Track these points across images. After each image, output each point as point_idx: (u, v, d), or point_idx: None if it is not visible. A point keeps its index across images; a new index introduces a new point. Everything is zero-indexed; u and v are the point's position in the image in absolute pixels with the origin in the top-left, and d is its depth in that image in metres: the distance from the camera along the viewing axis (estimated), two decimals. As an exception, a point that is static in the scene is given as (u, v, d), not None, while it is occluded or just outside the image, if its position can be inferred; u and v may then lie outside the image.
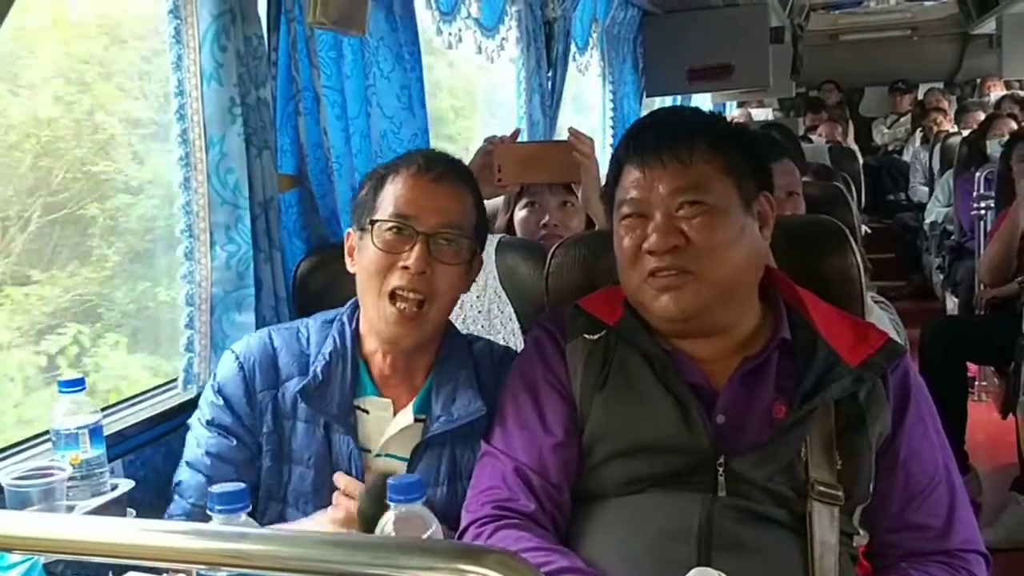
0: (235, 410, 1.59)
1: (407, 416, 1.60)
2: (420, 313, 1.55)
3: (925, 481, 1.44)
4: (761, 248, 1.48)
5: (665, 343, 1.47)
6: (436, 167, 1.60)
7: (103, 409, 1.64)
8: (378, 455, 1.60)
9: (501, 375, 1.62)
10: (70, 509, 1.39)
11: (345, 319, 1.65)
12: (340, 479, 1.54)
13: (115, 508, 1.45)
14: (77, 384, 1.46)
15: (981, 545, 1.46)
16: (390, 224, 1.56)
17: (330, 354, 1.60)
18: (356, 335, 1.63)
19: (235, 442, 1.59)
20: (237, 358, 1.62)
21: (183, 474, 1.59)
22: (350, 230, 1.66)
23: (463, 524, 1.44)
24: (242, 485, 1.07)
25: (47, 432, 1.51)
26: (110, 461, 1.52)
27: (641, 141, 1.46)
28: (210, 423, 1.60)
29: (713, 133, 1.46)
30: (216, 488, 1.04)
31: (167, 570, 1.19)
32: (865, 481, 1.41)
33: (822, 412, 1.40)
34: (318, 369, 1.59)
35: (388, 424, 1.60)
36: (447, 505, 1.53)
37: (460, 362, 1.64)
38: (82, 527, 0.92)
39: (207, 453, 1.58)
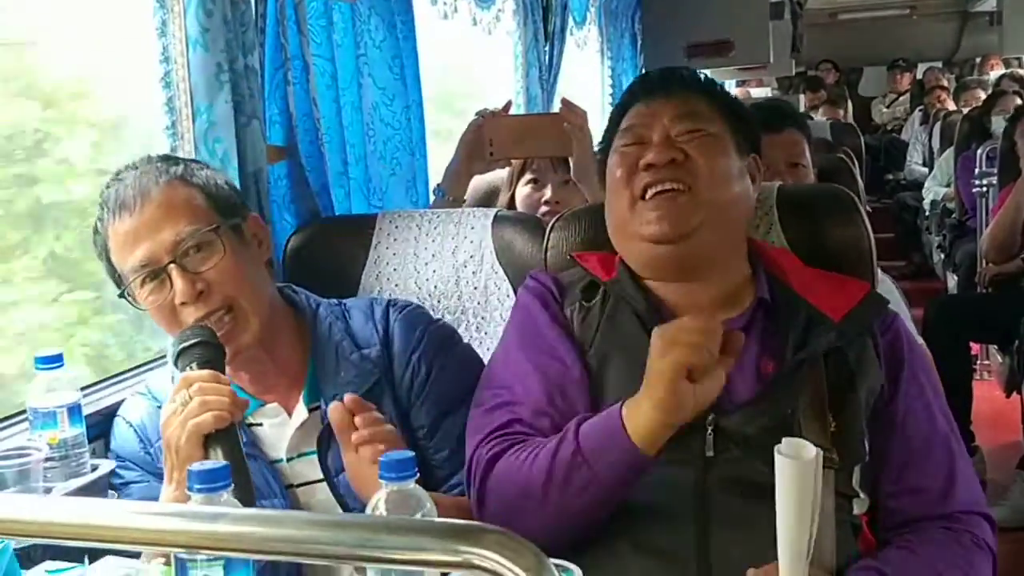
0: (140, 465, 1.54)
1: (301, 412, 1.53)
2: (234, 319, 1.46)
3: (921, 441, 1.41)
4: (751, 197, 1.51)
5: (654, 300, 1.46)
6: (127, 198, 1.45)
7: (84, 387, 1.58)
8: (290, 459, 1.53)
9: (389, 327, 1.57)
10: (47, 491, 1.34)
11: None
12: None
13: (94, 490, 1.40)
14: (55, 360, 1.40)
15: (983, 506, 1.43)
16: (138, 280, 1.44)
17: None
18: None
19: (149, 484, 1.52)
20: (126, 420, 1.57)
21: None
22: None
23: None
24: (223, 462, 1.01)
25: (24, 411, 1.45)
26: (91, 441, 1.47)
27: (647, 81, 1.55)
28: (123, 485, 1.53)
29: (711, 88, 1.53)
30: (196, 466, 0.99)
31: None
32: (859, 440, 1.38)
33: (812, 371, 1.37)
34: None
35: (288, 427, 1.53)
36: None
37: (333, 336, 1.57)
38: (52, 509, 0.87)
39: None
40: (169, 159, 1.55)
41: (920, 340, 2.27)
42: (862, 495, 1.42)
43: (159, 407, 1.52)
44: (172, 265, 1.43)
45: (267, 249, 1.60)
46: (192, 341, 1.39)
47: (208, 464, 0.98)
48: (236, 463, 1.28)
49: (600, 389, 1.42)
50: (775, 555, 1.28)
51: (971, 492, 1.42)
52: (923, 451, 1.41)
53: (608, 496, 1.31)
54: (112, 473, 1.51)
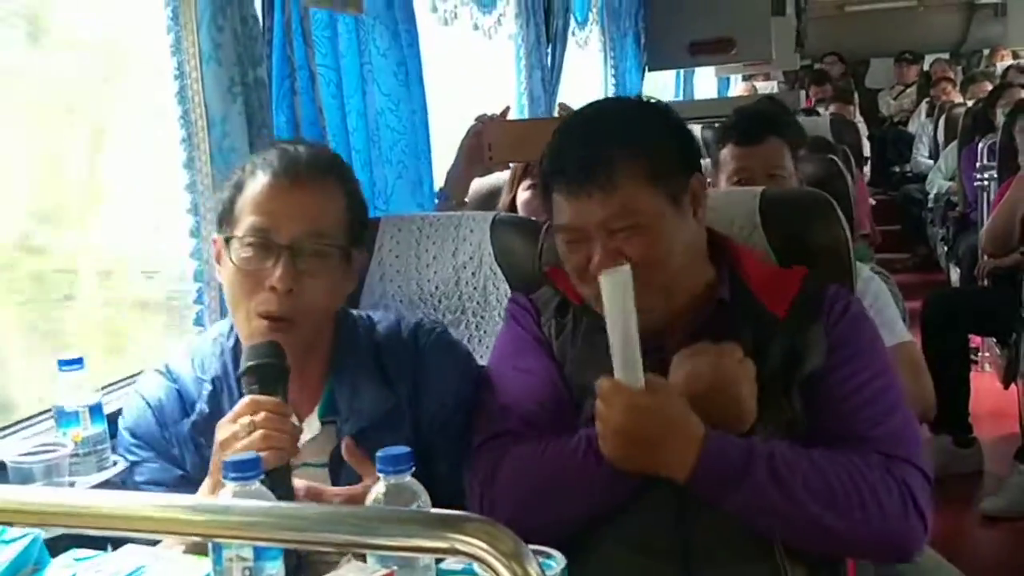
0: (153, 446, 1.52)
1: (313, 424, 1.51)
2: (292, 326, 1.44)
3: (858, 399, 1.43)
4: (696, 234, 1.50)
5: None
6: (294, 168, 1.46)
7: (104, 386, 1.66)
8: (295, 468, 1.45)
9: (421, 355, 1.56)
10: (72, 486, 1.42)
11: (223, 337, 1.56)
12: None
13: (116, 484, 1.48)
14: (76, 363, 1.49)
15: (909, 456, 1.41)
16: (248, 240, 1.44)
17: (213, 380, 1.52)
18: (237, 351, 1.52)
19: (160, 464, 1.51)
20: (143, 398, 1.54)
21: None
22: (216, 235, 1.52)
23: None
24: (255, 454, 1.08)
25: (50, 410, 1.53)
26: (112, 438, 1.54)
27: (561, 166, 1.46)
28: (134, 464, 1.51)
29: (633, 137, 1.45)
30: (231, 457, 1.07)
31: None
32: (802, 416, 1.43)
33: (763, 368, 1.41)
34: (203, 401, 1.50)
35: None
36: None
37: (358, 353, 1.55)
38: (79, 499, 0.95)
39: (139, 485, 1.50)
40: (341, 162, 1.57)
41: (907, 337, 2.32)
42: None
43: (178, 390, 1.53)
44: (286, 251, 1.42)
45: (355, 284, 1.60)
46: (263, 361, 1.37)
47: (241, 455, 1.06)
48: (284, 498, 1.28)
49: (582, 413, 1.47)
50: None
51: (898, 440, 1.42)
52: (859, 406, 1.43)
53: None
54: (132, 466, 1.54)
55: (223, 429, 1.35)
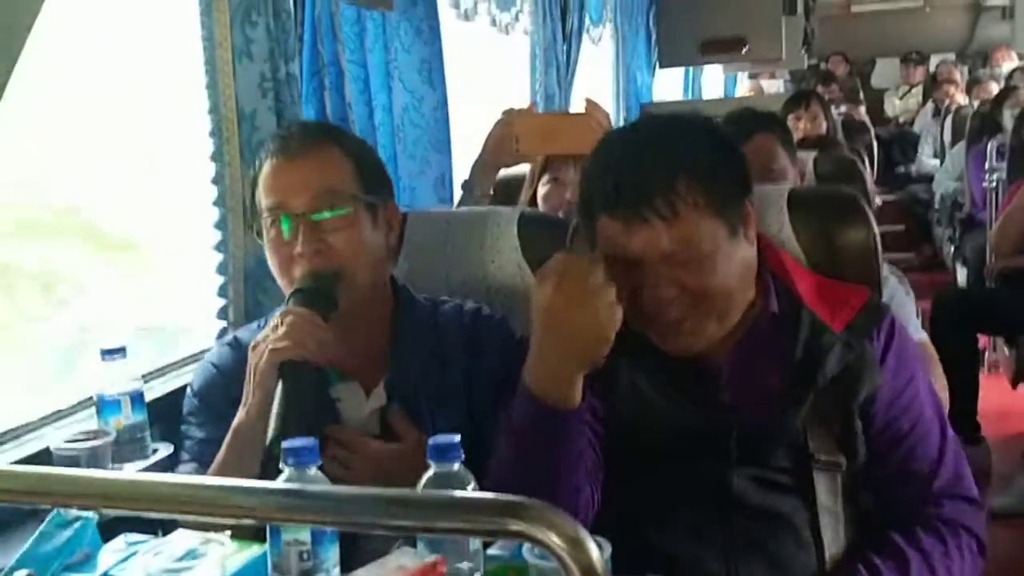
0: (217, 409, 1.54)
1: (379, 398, 1.57)
2: (336, 280, 1.50)
3: (908, 428, 1.45)
4: (749, 256, 1.43)
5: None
6: (291, 144, 1.54)
7: (145, 375, 1.68)
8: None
9: (479, 337, 1.60)
10: (114, 472, 1.44)
11: None
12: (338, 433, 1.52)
13: (158, 472, 1.50)
14: (118, 352, 1.51)
15: (966, 489, 1.46)
16: (269, 220, 1.52)
17: None
18: None
19: (222, 427, 1.50)
20: (215, 366, 1.60)
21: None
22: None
23: None
24: (313, 440, 1.10)
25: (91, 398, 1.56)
26: (151, 426, 1.57)
27: (616, 190, 1.34)
28: (200, 424, 1.56)
29: (694, 161, 1.36)
30: (287, 443, 1.08)
31: (213, 527, 1.25)
32: (859, 441, 1.43)
33: (817, 384, 1.42)
34: None
35: (363, 407, 1.57)
36: None
37: (418, 329, 1.61)
38: (138, 481, 0.95)
39: (200, 442, 1.55)
40: (337, 129, 1.70)
41: (922, 335, 2.35)
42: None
43: (247, 358, 1.52)
44: (302, 218, 1.49)
45: (394, 237, 1.65)
46: (308, 285, 1.47)
47: (298, 442, 1.07)
48: (296, 399, 1.36)
49: (618, 419, 1.46)
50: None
51: (956, 476, 1.46)
52: (910, 437, 1.45)
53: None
54: (172, 454, 1.58)
55: (256, 338, 1.45)
